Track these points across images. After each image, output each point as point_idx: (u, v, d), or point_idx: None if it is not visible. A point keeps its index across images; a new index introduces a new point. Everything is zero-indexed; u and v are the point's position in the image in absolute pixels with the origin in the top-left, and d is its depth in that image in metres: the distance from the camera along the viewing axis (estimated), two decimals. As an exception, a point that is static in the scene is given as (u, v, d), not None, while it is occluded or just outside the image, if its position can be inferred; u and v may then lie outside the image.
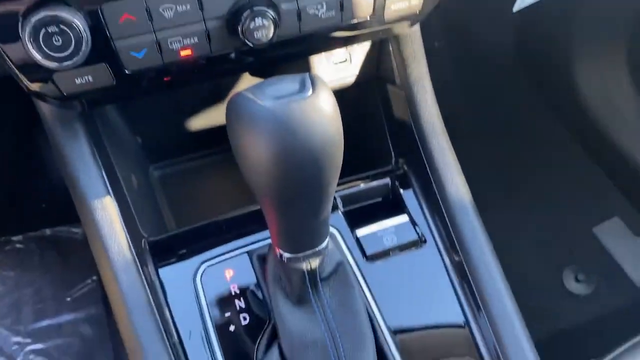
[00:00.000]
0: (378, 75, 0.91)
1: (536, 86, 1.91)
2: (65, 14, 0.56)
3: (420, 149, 0.80)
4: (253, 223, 0.77)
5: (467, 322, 0.75)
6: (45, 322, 1.47)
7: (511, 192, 1.77)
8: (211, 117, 1.03)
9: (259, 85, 0.52)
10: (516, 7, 1.24)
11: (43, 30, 0.57)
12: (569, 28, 1.69)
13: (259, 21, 0.62)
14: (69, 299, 1.52)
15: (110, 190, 0.71)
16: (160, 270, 0.71)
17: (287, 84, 0.51)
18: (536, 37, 1.84)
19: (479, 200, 0.87)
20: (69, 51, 0.59)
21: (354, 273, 0.70)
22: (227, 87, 0.96)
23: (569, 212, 1.74)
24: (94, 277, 1.56)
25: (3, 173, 1.49)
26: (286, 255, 0.61)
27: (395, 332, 0.70)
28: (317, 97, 0.50)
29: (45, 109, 0.71)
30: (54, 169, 1.57)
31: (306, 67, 0.88)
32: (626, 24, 1.61)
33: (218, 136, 1.04)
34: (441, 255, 0.78)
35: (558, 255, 1.66)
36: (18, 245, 1.58)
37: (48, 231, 1.61)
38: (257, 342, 0.67)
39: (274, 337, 0.66)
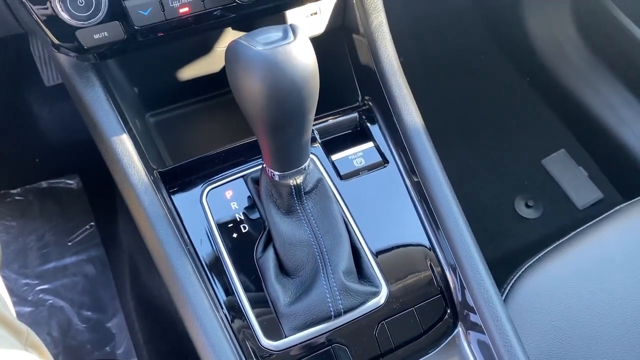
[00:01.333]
0: (344, 25, 1.04)
1: (490, 32, 2.07)
2: (86, -21, 0.69)
3: (382, 86, 0.95)
4: (244, 154, 0.92)
5: (426, 233, 0.92)
6: (51, 265, 1.61)
7: (468, 130, 1.94)
8: (198, 68, 1.15)
9: (251, 34, 0.66)
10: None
11: (69, -6, 0.69)
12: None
13: (245, -20, 0.75)
14: (70, 243, 1.65)
15: (125, 129, 0.85)
16: (172, 195, 0.86)
17: (273, 32, 0.65)
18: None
19: (439, 138, 1.03)
20: (91, 11, 0.72)
21: (331, 188, 0.86)
22: (210, 41, 1.09)
23: (520, 146, 1.93)
24: (92, 223, 1.69)
25: None
26: (277, 173, 0.77)
27: (365, 233, 0.87)
28: (298, 43, 0.64)
29: (64, 61, 0.84)
30: (44, 126, 1.67)
31: (283, 21, 1.01)
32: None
33: (204, 85, 1.17)
34: (402, 175, 0.95)
35: (510, 185, 1.85)
36: (17, 198, 1.70)
37: (44, 184, 1.72)
38: (256, 244, 0.83)
39: (269, 240, 0.82)
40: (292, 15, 1.02)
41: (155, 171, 0.88)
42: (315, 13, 1.03)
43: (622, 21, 1.66)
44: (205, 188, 0.87)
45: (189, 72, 1.14)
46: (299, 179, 0.78)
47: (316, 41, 0.84)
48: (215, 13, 0.80)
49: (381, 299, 0.83)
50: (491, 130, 1.96)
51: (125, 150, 0.83)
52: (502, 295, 1.03)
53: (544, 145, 1.93)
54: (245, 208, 0.86)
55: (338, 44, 1.06)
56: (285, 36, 0.65)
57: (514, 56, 2.05)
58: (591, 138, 1.89)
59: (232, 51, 0.65)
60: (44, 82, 1.48)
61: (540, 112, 1.99)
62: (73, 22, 0.72)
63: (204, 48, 1.10)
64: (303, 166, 0.77)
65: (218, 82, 1.05)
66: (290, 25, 0.66)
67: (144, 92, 1.13)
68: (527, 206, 1.82)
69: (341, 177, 0.91)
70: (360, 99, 1.02)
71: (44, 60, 1.43)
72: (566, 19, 1.88)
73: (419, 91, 1.02)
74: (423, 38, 1.90)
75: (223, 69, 0.92)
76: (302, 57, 0.64)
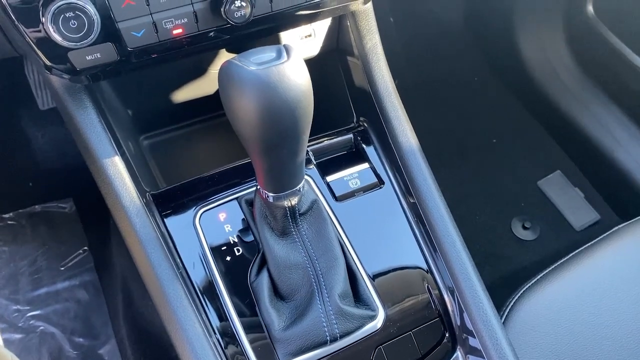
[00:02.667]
0: (338, 47, 1.05)
1: (483, 55, 2.08)
2: (79, 1, 0.68)
3: (377, 107, 0.95)
4: (238, 176, 0.91)
5: (423, 255, 0.90)
6: (42, 290, 1.59)
7: (464, 152, 1.95)
8: (191, 91, 1.15)
9: (244, 54, 0.65)
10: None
11: (62, 16, 0.69)
12: (511, 2, 1.86)
13: (238, 3, 0.75)
14: (62, 268, 1.63)
15: (117, 151, 0.84)
16: (165, 218, 0.85)
17: (266, 52, 0.65)
18: (483, 10, 2.01)
19: (434, 159, 1.02)
20: (83, 32, 0.71)
21: (326, 209, 0.85)
22: (204, 64, 1.09)
23: (515, 167, 1.93)
24: (85, 248, 1.67)
25: None
26: (271, 195, 0.76)
27: (361, 256, 0.86)
28: (291, 62, 0.64)
29: (56, 83, 0.83)
30: (38, 149, 1.66)
31: (277, 42, 1.01)
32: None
33: (198, 108, 1.17)
34: (398, 196, 0.94)
35: (507, 207, 1.84)
36: (10, 222, 1.68)
37: (38, 207, 1.71)
38: (250, 267, 0.81)
39: (263, 263, 0.81)
40: (286, 37, 1.02)
41: (147, 193, 0.87)
42: (310, 35, 1.04)
43: (614, 44, 1.67)
44: (198, 210, 0.85)
45: (183, 94, 1.14)
46: (294, 201, 0.77)
47: (311, 63, 0.84)
48: (209, 34, 0.80)
49: (378, 322, 0.82)
50: (486, 152, 1.97)
51: (117, 172, 0.82)
52: (500, 318, 1.01)
53: (539, 167, 1.93)
54: (239, 230, 0.85)
55: (333, 66, 1.06)
56: (278, 56, 0.64)
57: (508, 78, 2.06)
58: (586, 159, 1.89)
59: (225, 71, 0.65)
60: (38, 105, 1.48)
61: (534, 133, 1.99)
62: (65, 44, 0.71)
63: (198, 70, 1.10)
64: (298, 187, 0.76)
65: (212, 105, 1.05)
66: (284, 45, 0.66)
67: (137, 115, 1.13)
68: (524, 228, 1.80)
69: (336, 199, 0.90)
70: (355, 120, 1.02)
71: (38, 83, 1.43)
72: (559, 41, 1.89)
73: (414, 113, 1.02)
74: (417, 60, 1.91)
75: (217, 91, 0.91)
76: (296, 77, 0.63)
